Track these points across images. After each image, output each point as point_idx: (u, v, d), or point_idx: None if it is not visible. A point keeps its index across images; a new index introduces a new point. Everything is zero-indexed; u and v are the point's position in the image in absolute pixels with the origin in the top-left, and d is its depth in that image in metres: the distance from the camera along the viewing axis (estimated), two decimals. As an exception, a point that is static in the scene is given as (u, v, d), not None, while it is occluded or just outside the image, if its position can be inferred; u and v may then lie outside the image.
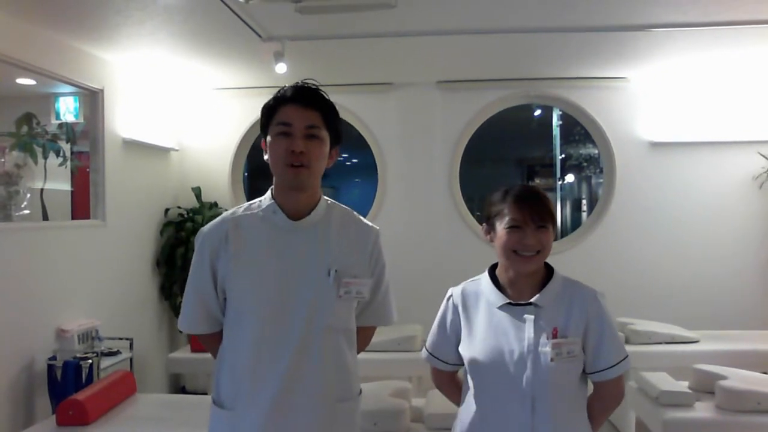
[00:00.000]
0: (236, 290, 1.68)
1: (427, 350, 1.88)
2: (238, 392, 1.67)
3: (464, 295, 1.79)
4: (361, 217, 1.85)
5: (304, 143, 1.65)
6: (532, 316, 1.66)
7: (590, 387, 1.75)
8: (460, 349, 1.76)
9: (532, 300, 1.68)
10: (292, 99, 1.68)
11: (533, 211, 1.66)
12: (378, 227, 1.86)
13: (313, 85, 1.73)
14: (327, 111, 1.70)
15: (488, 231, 1.75)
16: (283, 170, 1.67)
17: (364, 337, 1.88)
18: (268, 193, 1.76)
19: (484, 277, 1.78)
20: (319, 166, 1.69)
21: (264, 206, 1.74)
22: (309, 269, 1.68)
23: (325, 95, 1.72)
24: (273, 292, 1.66)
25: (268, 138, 1.70)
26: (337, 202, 1.83)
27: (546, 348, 1.62)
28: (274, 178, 1.74)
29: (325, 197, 1.80)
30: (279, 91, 1.72)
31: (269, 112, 1.70)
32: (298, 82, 1.72)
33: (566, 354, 1.62)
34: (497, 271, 1.76)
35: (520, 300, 1.70)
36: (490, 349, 1.67)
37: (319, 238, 1.72)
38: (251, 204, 1.78)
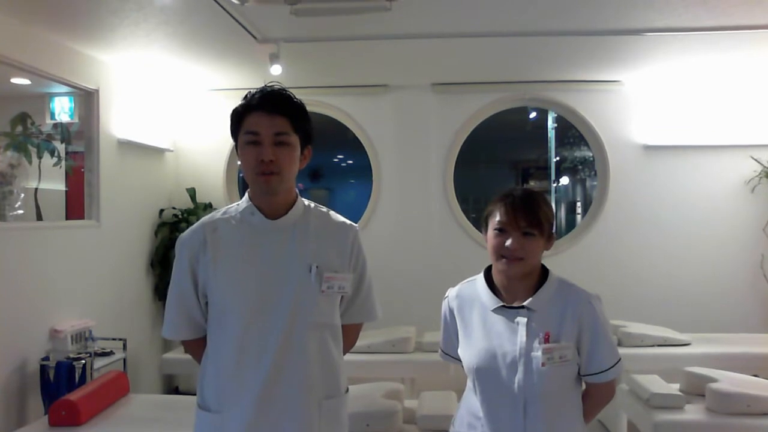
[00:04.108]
0: (217, 293, 1.69)
1: (441, 350, 1.91)
2: (223, 394, 1.68)
3: (460, 297, 1.80)
4: (339, 216, 1.86)
5: (273, 151, 1.64)
6: (525, 320, 1.66)
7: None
8: (458, 350, 1.78)
9: (525, 303, 1.68)
10: (258, 106, 1.66)
11: (521, 216, 1.65)
12: (356, 225, 1.86)
13: (280, 87, 1.71)
14: (295, 115, 1.68)
15: (484, 231, 1.76)
16: (254, 178, 1.67)
17: (350, 335, 1.89)
18: (246, 196, 1.77)
19: (480, 279, 1.79)
20: (290, 171, 1.70)
21: (241, 209, 1.75)
22: (290, 267, 1.69)
23: (293, 98, 1.70)
24: (254, 292, 1.67)
25: (239, 146, 1.70)
26: (314, 203, 1.84)
27: (537, 352, 1.62)
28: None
29: (303, 198, 1.81)
30: (246, 96, 1.70)
31: (237, 119, 1.69)
32: (265, 87, 1.70)
33: (558, 359, 1.62)
34: (492, 273, 1.77)
35: (514, 303, 1.70)
36: (483, 352, 1.68)
37: (298, 236, 1.72)
38: (229, 208, 1.79)
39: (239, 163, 1.76)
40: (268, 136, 1.64)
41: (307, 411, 1.68)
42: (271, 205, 1.72)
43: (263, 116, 1.65)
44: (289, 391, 1.66)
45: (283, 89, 1.70)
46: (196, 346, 1.80)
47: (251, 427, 1.64)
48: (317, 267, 1.69)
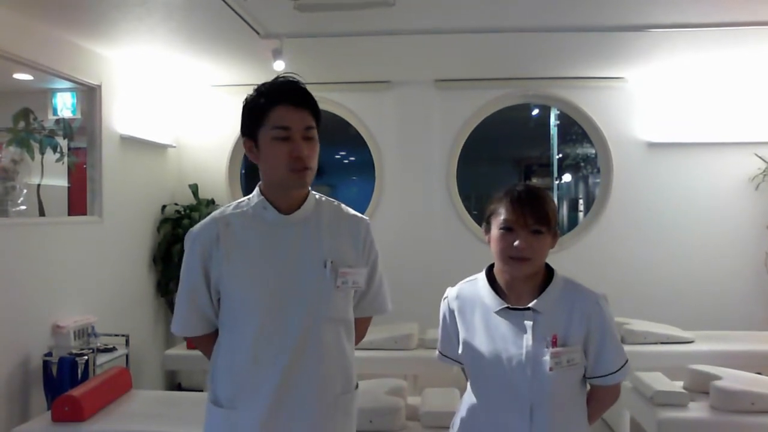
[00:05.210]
0: (231, 290, 1.66)
1: (439, 352, 1.84)
2: (237, 390, 1.65)
3: (460, 298, 1.74)
4: (350, 209, 1.84)
5: (304, 145, 1.62)
6: (531, 323, 1.60)
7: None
8: (459, 352, 1.73)
9: (530, 305, 1.62)
10: (285, 99, 1.61)
11: (528, 212, 1.59)
12: (368, 218, 1.85)
13: (293, 78, 1.67)
14: (316, 108, 1.67)
15: (486, 231, 1.70)
16: (287, 174, 1.62)
17: (360, 329, 1.87)
18: (257, 190, 1.74)
19: (482, 279, 1.72)
20: (316, 165, 1.68)
21: (253, 203, 1.72)
22: (304, 262, 1.66)
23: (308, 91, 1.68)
24: (269, 288, 1.64)
25: (262, 141, 1.64)
26: (325, 197, 1.82)
27: (545, 357, 1.57)
28: (263, 176, 1.71)
29: (314, 192, 1.78)
30: (263, 88, 1.65)
31: (260, 112, 1.63)
32: (281, 77, 1.66)
33: (566, 363, 1.57)
34: (495, 272, 1.71)
35: (518, 304, 1.64)
36: (488, 354, 1.63)
37: (312, 231, 1.70)
38: (240, 202, 1.75)
39: (251, 157, 1.71)
40: (299, 131, 1.61)
41: (323, 407, 1.66)
42: (287, 200, 1.69)
43: (292, 110, 1.61)
44: (306, 388, 1.64)
45: (299, 80, 1.67)
46: (207, 342, 1.77)
47: (266, 424, 1.62)
48: (332, 262, 1.67)
